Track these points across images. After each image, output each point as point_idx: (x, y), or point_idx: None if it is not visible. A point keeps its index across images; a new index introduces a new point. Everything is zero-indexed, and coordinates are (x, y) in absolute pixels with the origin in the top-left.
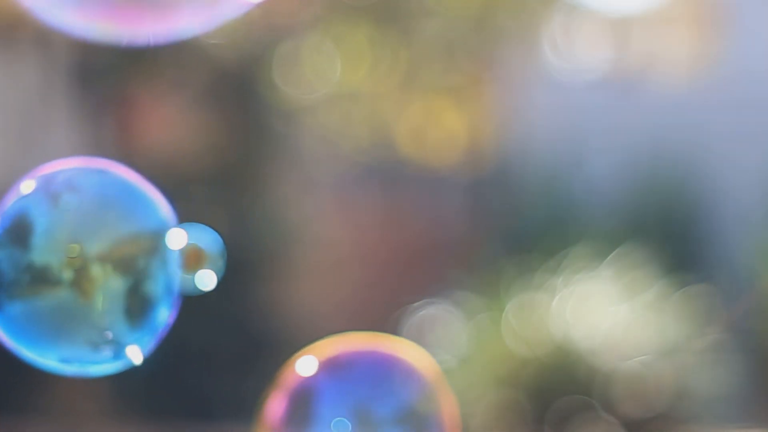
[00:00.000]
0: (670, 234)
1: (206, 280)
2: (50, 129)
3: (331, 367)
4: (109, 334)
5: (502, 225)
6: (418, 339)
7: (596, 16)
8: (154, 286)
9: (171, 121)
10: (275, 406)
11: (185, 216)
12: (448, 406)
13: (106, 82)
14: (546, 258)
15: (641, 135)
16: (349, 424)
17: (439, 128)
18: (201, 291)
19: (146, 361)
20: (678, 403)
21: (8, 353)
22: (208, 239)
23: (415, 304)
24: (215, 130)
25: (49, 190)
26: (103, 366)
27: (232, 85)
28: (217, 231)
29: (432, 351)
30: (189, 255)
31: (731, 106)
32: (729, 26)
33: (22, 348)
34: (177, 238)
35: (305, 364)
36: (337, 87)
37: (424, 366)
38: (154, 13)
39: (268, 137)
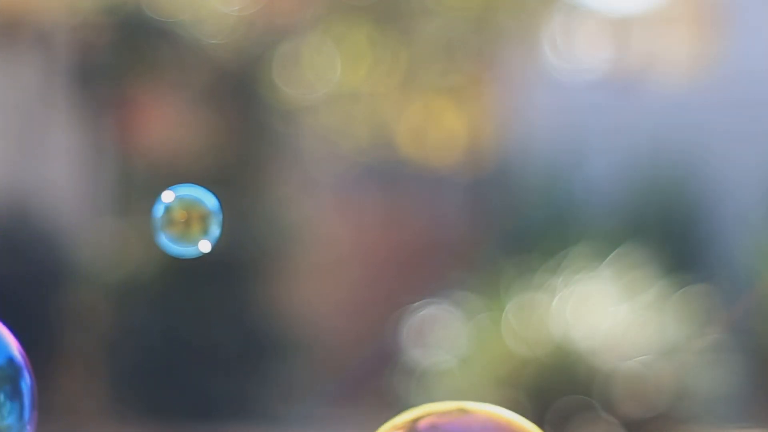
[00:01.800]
0: (670, 234)
1: (200, 242)
2: (50, 129)
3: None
4: None
5: (502, 225)
6: (418, 339)
7: (596, 16)
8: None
9: (171, 122)
10: None
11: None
12: None
13: (106, 82)
14: (546, 258)
15: (641, 135)
16: None
17: (439, 128)
18: (195, 254)
19: (146, 360)
20: (678, 403)
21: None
22: (201, 197)
23: (415, 304)
24: (215, 130)
25: None
26: None
27: (232, 85)
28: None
29: (432, 351)
30: (179, 213)
31: (731, 106)
32: (729, 26)
33: None
34: (166, 195)
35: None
36: (337, 87)
37: None
38: None
39: (268, 137)
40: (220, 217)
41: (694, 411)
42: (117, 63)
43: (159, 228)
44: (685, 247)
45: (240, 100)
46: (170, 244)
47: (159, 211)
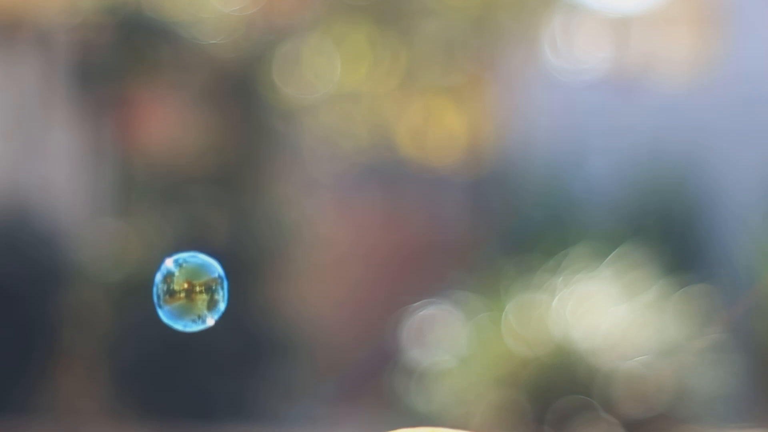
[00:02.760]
0: (670, 234)
1: (201, 315)
2: (50, 129)
3: None
4: None
5: (502, 225)
6: (418, 339)
7: (596, 16)
8: None
9: (171, 122)
10: None
11: (185, 216)
12: None
13: (106, 82)
14: (546, 258)
15: (641, 135)
16: None
17: (439, 128)
18: (198, 328)
19: (146, 360)
20: (678, 403)
21: (8, 353)
22: (206, 265)
23: (415, 304)
24: (215, 130)
25: None
26: None
27: (232, 85)
28: (217, 238)
29: (432, 351)
30: (181, 282)
31: (731, 106)
32: (729, 26)
33: None
34: (166, 264)
35: None
36: (337, 87)
37: None
38: None
39: (268, 137)
40: (227, 287)
41: (694, 411)
42: (117, 63)
43: (159, 299)
44: (685, 247)
45: (240, 100)
46: (171, 317)
47: (159, 279)
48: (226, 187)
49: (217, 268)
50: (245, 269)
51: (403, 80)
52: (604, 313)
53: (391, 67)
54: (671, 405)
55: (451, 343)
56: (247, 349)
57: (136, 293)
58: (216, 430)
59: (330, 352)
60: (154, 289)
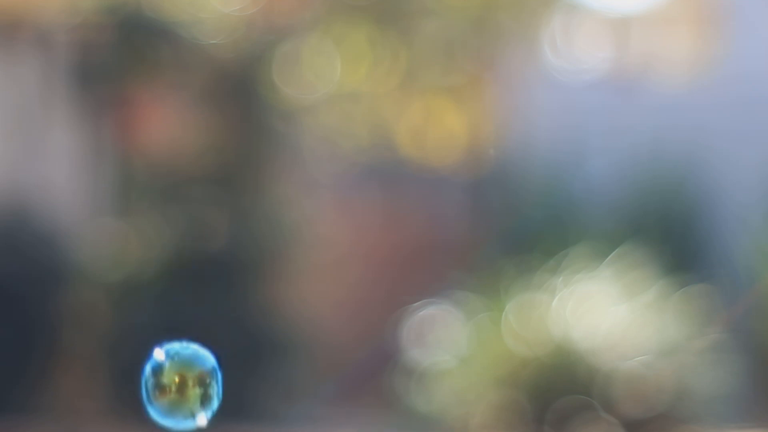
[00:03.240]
0: (670, 234)
1: (193, 411)
2: (50, 129)
3: None
4: None
5: (502, 225)
6: (418, 339)
7: (596, 16)
8: None
9: (171, 122)
10: None
11: (185, 216)
12: None
13: (106, 82)
14: (546, 258)
15: (641, 135)
16: None
17: (439, 128)
18: (186, 426)
19: (146, 360)
20: (678, 403)
21: (8, 353)
22: (195, 357)
23: (415, 304)
24: (215, 130)
25: None
26: None
27: (232, 85)
28: (217, 238)
29: (432, 351)
30: (172, 376)
31: (731, 106)
32: (729, 26)
33: None
34: (155, 356)
35: None
36: (337, 87)
37: None
38: None
39: (268, 137)
40: (221, 380)
41: (694, 411)
42: (117, 63)
43: (148, 393)
44: (685, 247)
45: (240, 100)
46: (160, 415)
47: (148, 371)
48: (226, 187)
49: (210, 359)
50: (245, 269)
51: (403, 80)
52: (604, 313)
53: (391, 67)
54: (671, 405)
55: (451, 343)
56: (247, 349)
57: (136, 293)
58: (216, 430)
59: (330, 352)
60: (143, 383)
